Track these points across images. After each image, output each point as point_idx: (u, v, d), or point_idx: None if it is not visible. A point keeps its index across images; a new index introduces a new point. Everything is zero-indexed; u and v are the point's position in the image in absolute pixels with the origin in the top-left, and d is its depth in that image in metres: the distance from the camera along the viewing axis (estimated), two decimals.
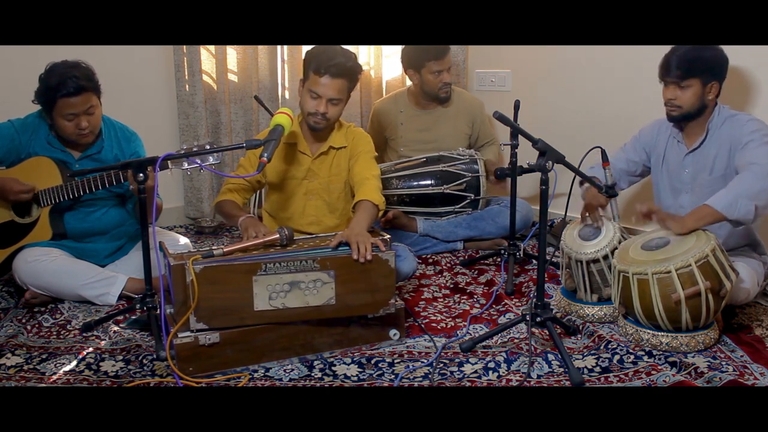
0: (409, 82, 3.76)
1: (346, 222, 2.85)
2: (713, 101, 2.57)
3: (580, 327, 2.51)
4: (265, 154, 2.32)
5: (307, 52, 2.65)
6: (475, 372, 2.24)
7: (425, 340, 2.48)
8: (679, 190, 2.69)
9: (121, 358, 2.34)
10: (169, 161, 2.40)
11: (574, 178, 2.56)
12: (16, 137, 2.76)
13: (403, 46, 3.67)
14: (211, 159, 2.45)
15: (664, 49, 2.58)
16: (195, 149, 2.40)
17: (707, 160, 2.59)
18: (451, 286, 3.04)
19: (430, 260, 3.38)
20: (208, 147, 2.42)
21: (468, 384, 2.17)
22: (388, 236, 2.42)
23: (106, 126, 2.88)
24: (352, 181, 2.75)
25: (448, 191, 3.43)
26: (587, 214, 2.69)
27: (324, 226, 2.83)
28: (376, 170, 2.75)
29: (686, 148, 2.64)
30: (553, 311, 2.45)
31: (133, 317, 2.61)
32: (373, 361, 2.32)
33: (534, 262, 3.24)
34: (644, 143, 2.79)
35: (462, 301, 2.87)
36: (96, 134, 2.81)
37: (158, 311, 2.41)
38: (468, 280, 3.10)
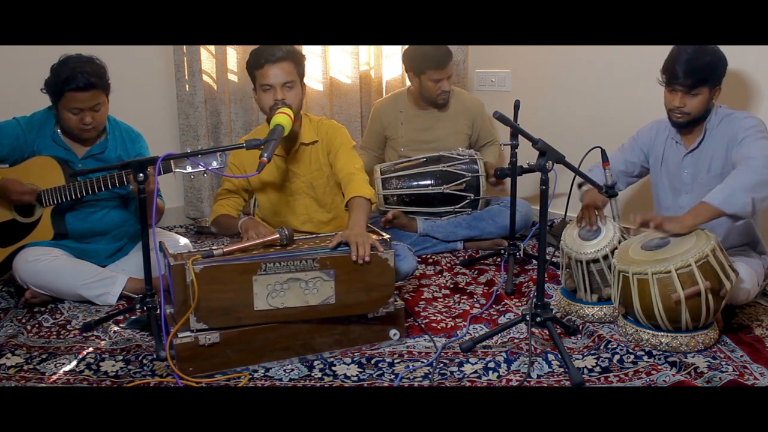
0: (409, 82, 3.76)
1: (339, 215, 2.87)
2: (713, 104, 2.58)
3: (580, 327, 2.51)
4: (265, 154, 2.31)
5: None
6: (475, 372, 2.25)
7: (425, 340, 2.48)
8: (678, 190, 2.69)
9: (121, 358, 2.34)
10: (172, 165, 2.40)
11: (574, 178, 2.56)
12: (21, 135, 2.76)
13: (406, 47, 3.67)
14: (215, 163, 2.45)
15: (664, 49, 2.58)
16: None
17: (705, 159, 2.59)
18: (451, 286, 3.04)
19: (430, 260, 3.38)
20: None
21: (468, 384, 2.17)
22: (388, 236, 2.42)
23: (111, 126, 2.89)
24: (337, 177, 2.74)
25: (447, 191, 3.43)
26: (584, 217, 2.68)
27: (317, 221, 2.83)
28: (359, 162, 2.73)
29: (685, 148, 2.65)
30: (553, 311, 2.45)
31: (133, 317, 2.61)
32: (373, 361, 2.32)
33: (534, 262, 3.24)
34: (642, 144, 2.79)
35: (462, 301, 2.87)
36: (99, 131, 2.81)
37: (158, 311, 2.41)
38: (468, 280, 3.10)
